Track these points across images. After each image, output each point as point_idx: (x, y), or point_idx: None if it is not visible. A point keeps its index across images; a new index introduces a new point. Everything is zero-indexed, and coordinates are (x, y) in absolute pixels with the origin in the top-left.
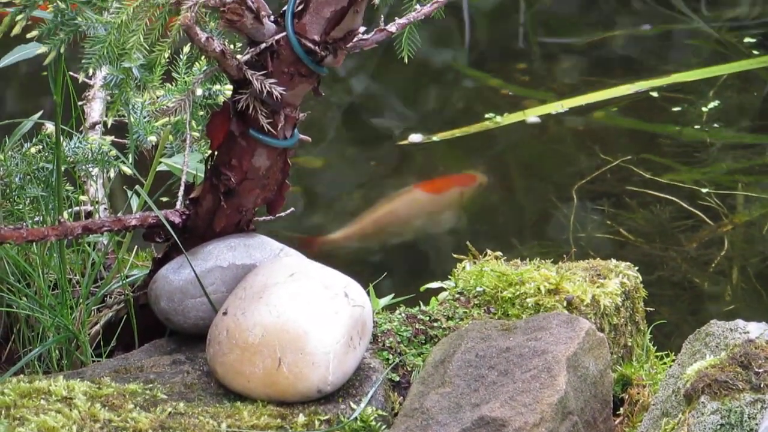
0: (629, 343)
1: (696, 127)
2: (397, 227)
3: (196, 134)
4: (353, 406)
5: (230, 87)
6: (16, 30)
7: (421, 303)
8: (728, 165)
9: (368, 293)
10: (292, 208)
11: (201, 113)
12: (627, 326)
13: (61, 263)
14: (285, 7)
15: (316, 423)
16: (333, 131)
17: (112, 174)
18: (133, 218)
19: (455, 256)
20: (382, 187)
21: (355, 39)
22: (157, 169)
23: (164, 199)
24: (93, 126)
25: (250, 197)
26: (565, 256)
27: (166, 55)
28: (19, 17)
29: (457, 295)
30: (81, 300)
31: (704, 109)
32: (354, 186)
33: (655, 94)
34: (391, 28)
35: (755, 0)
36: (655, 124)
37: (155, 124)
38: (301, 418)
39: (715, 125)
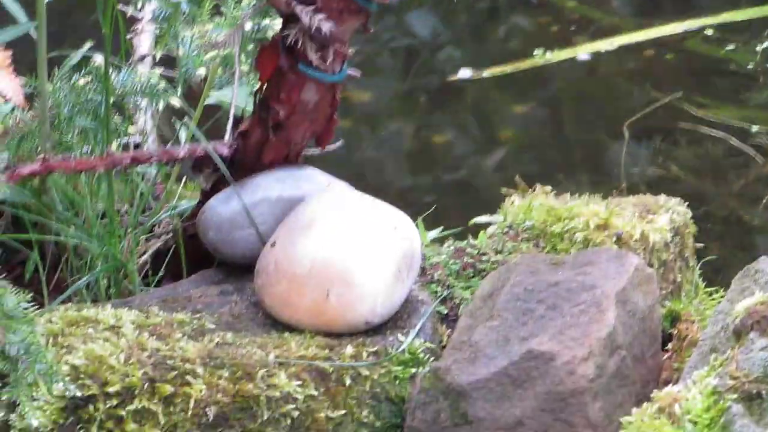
0: (678, 279)
1: (749, 66)
2: None
3: (245, 67)
4: (401, 338)
5: (280, 21)
6: None
7: (470, 236)
8: None
9: (417, 226)
10: (340, 141)
11: (250, 47)
12: (676, 262)
13: (110, 193)
14: None
15: (364, 354)
16: (383, 66)
17: (160, 106)
18: (181, 150)
19: (504, 190)
20: (430, 121)
21: None
22: (205, 102)
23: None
24: (142, 58)
25: (299, 131)
26: (614, 191)
27: None
28: None
29: (506, 229)
30: (129, 229)
31: (758, 48)
32: (402, 120)
33: (709, 32)
34: None
35: None
36: (707, 62)
37: (204, 57)
38: (349, 350)
39: None
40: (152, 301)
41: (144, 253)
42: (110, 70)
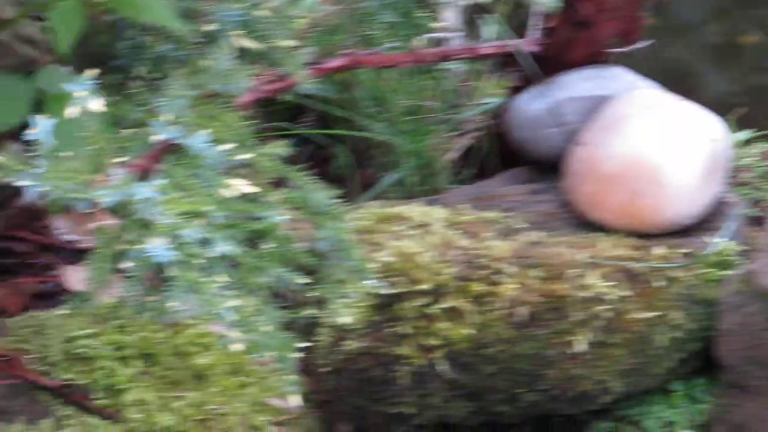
0: None
1: None
2: None
3: None
4: (709, 239)
5: None
6: None
7: None
8: None
9: (726, 127)
10: (647, 40)
11: None
12: None
13: (417, 90)
14: None
15: (675, 255)
16: None
17: (468, 1)
18: (489, 47)
19: None
20: (739, 21)
21: None
22: None
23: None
24: None
25: (605, 29)
26: None
27: None
28: None
29: None
30: (437, 126)
31: None
32: (710, 19)
33: None
34: None
35: None
36: None
37: None
38: (660, 250)
39: None
40: (462, 198)
41: (452, 150)
42: None
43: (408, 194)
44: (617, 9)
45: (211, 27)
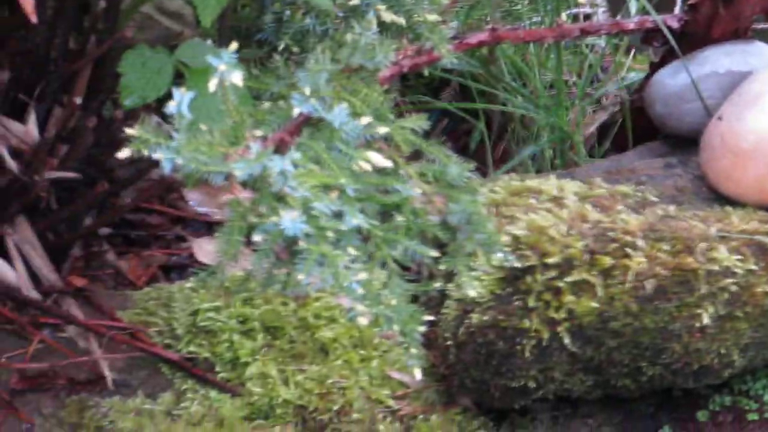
0: None
1: None
2: None
3: None
4: None
5: None
6: None
7: None
8: None
9: None
10: None
11: None
12: None
13: (558, 64)
14: None
15: None
16: None
17: None
18: (631, 22)
19: None
20: None
21: None
22: None
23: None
24: None
25: (749, 5)
26: None
27: None
28: None
29: None
30: (576, 101)
31: None
32: None
33: None
34: None
35: None
36: None
37: None
38: None
39: None
40: (596, 172)
41: (590, 124)
42: None
43: (544, 168)
44: None
45: (355, 1)
